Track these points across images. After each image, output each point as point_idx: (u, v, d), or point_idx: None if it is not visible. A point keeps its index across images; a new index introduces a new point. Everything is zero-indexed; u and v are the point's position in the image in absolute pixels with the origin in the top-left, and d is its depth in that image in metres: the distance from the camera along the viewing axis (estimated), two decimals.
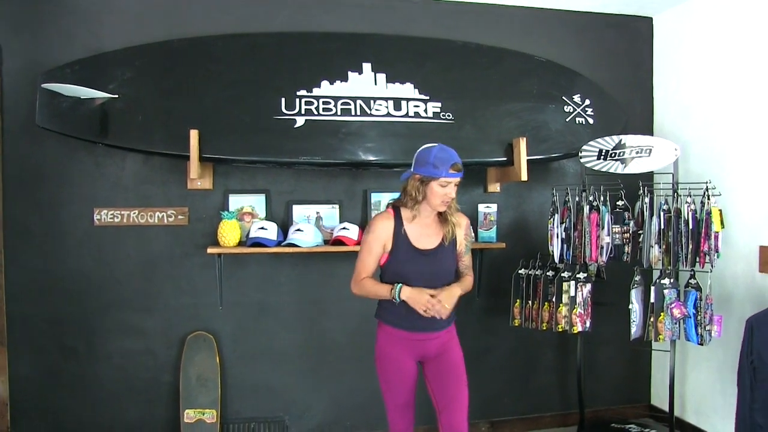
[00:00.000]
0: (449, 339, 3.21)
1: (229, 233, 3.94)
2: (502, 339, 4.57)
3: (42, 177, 4.02)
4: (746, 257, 3.99)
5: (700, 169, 4.29)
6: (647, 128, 4.77)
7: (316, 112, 4.00)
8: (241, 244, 4.03)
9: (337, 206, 4.31)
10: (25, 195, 4.01)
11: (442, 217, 3.10)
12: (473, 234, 3.46)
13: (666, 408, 4.54)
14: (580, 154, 4.19)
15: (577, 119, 4.40)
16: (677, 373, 4.53)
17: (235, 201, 4.19)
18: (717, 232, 3.68)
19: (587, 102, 4.45)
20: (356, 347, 4.39)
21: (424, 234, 3.08)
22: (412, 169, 3.03)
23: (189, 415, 4.08)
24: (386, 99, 4.11)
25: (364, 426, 4.44)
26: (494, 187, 4.48)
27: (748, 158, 4.00)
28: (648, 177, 4.16)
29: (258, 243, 3.94)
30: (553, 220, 4.06)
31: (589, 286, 3.98)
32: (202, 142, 3.80)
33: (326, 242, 4.17)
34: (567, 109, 4.40)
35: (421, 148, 3.06)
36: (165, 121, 3.87)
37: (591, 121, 4.42)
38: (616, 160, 4.06)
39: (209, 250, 3.91)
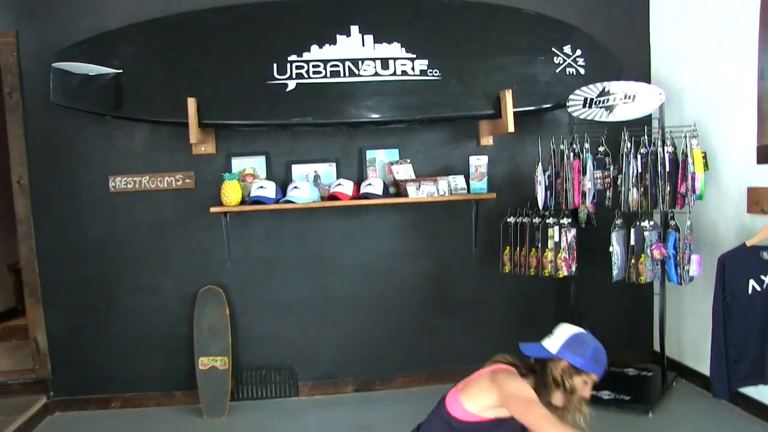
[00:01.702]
0: None
1: (231, 193, 4.21)
2: (499, 288, 4.71)
3: (60, 150, 4.39)
4: (736, 199, 4.01)
5: (694, 115, 4.29)
6: (644, 76, 4.76)
7: (306, 76, 4.21)
8: (243, 203, 4.30)
9: (334, 164, 4.53)
10: (47, 167, 4.39)
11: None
12: None
13: (671, 354, 4.63)
14: (567, 103, 4.26)
15: (568, 70, 4.46)
16: (675, 317, 4.61)
17: (237, 163, 4.46)
18: (694, 173, 3.72)
19: (578, 53, 4.50)
20: (357, 299, 4.65)
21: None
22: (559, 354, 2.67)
23: (203, 362, 4.41)
24: (374, 59, 4.28)
25: (368, 372, 4.69)
26: (487, 141, 4.61)
27: (737, 103, 3.99)
28: (639, 124, 4.19)
29: (258, 201, 4.21)
30: (538, 168, 4.16)
31: (573, 231, 4.09)
32: (202, 110, 4.08)
33: (323, 198, 4.40)
34: (557, 60, 4.46)
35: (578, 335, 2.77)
36: (166, 91, 4.16)
37: (582, 71, 4.48)
38: (602, 107, 4.12)
39: (212, 210, 4.21)
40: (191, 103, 4.02)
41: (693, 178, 3.72)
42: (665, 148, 3.79)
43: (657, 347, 4.69)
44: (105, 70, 4.12)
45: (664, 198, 3.79)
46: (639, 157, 3.84)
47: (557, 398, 2.63)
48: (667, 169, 3.77)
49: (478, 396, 2.63)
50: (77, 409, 4.51)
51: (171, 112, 4.14)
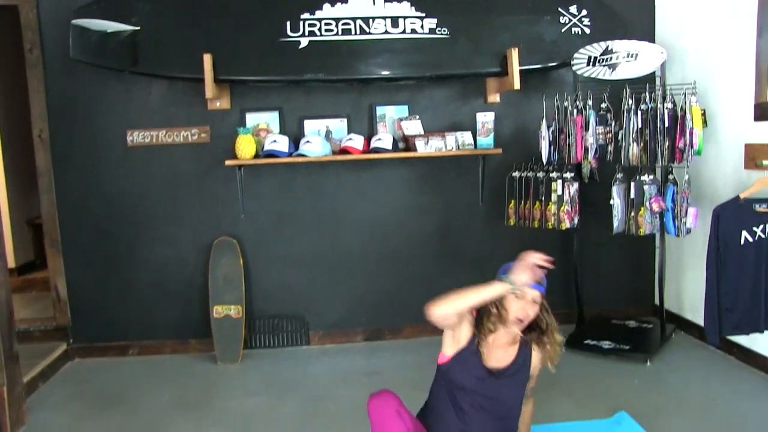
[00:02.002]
0: None
1: (244, 147, 4.36)
2: (505, 241, 4.84)
3: (79, 105, 4.54)
4: (733, 156, 4.13)
5: (695, 74, 4.38)
6: (648, 36, 4.85)
7: (318, 33, 4.33)
8: (257, 157, 4.44)
9: (345, 120, 4.67)
10: (67, 122, 4.55)
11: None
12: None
13: (672, 308, 4.80)
14: (571, 62, 4.38)
15: (573, 29, 4.57)
16: (676, 272, 4.76)
17: (252, 119, 4.60)
18: (693, 129, 3.85)
19: (584, 13, 4.60)
20: (367, 251, 4.82)
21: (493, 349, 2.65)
22: None
23: (217, 311, 4.59)
24: (384, 18, 4.39)
25: (377, 322, 4.87)
26: (493, 98, 4.73)
27: (736, 62, 4.10)
28: (641, 82, 4.29)
29: (271, 154, 4.36)
30: (542, 123, 4.30)
31: (576, 185, 4.24)
32: (217, 66, 4.21)
33: (334, 153, 4.54)
34: (562, 20, 4.57)
35: None
36: (183, 48, 4.29)
37: (588, 31, 4.58)
38: (605, 65, 4.24)
39: (227, 162, 4.36)
40: (207, 59, 4.16)
41: (691, 134, 3.85)
42: (665, 104, 3.92)
43: (658, 301, 4.84)
44: (123, 27, 4.26)
45: (663, 153, 3.92)
46: (639, 113, 3.97)
47: (495, 321, 2.57)
48: (666, 124, 3.90)
49: (444, 336, 2.65)
50: (96, 356, 4.71)
51: (187, 68, 4.27)
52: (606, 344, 4.38)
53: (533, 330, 2.61)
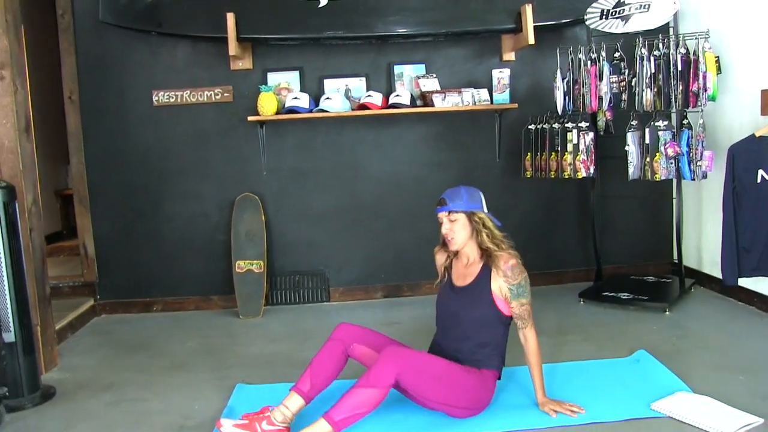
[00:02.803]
0: None
1: (266, 103, 4.48)
2: (522, 197, 4.93)
3: (108, 67, 4.71)
4: (749, 103, 4.16)
5: (710, 25, 4.38)
6: None
7: None
8: (278, 113, 4.55)
9: (364, 79, 4.78)
10: (96, 82, 4.71)
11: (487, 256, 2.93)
12: (521, 273, 2.89)
13: (691, 264, 4.82)
14: (585, 16, 4.45)
15: None
16: (695, 227, 4.79)
17: (273, 78, 4.72)
18: (706, 73, 3.89)
19: None
20: (386, 207, 4.92)
21: (458, 269, 3.04)
22: None
23: (240, 266, 4.70)
24: None
25: (396, 278, 4.96)
26: (509, 56, 4.82)
27: (751, 8, 4.16)
28: (654, 35, 4.34)
29: (292, 110, 4.47)
30: (557, 74, 4.38)
31: (591, 134, 4.30)
32: (240, 25, 4.35)
33: (354, 110, 4.64)
34: None
35: None
36: (206, 9, 4.44)
37: None
38: (617, 18, 4.31)
39: (249, 119, 4.49)
40: (230, 18, 4.29)
41: (705, 77, 3.89)
42: (678, 50, 3.97)
43: (676, 256, 4.84)
44: None
45: (677, 97, 3.96)
46: (652, 59, 4.02)
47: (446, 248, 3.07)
48: (680, 68, 3.95)
49: None
50: (122, 312, 4.84)
51: (211, 28, 4.43)
52: (624, 295, 4.42)
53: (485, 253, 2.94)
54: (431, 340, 3.07)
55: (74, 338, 4.37)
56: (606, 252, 4.86)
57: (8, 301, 3.29)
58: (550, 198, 5.00)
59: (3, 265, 3.28)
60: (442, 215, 2.91)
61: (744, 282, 4.19)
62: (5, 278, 3.28)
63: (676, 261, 4.71)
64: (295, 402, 2.77)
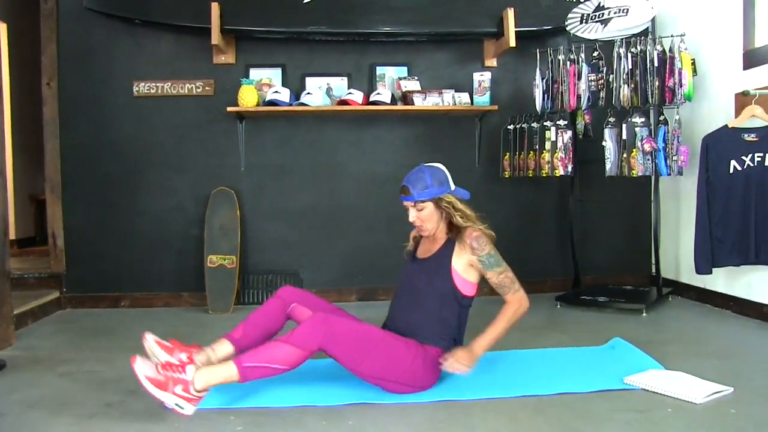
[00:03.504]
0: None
1: (247, 96, 4.48)
2: (502, 203, 4.90)
3: (89, 54, 4.70)
4: (724, 106, 4.19)
5: (686, 30, 4.46)
6: None
7: None
8: (258, 106, 4.55)
9: (345, 78, 4.80)
10: (76, 70, 4.69)
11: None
12: (488, 243, 2.81)
13: (668, 274, 4.75)
14: (566, 21, 4.52)
15: None
16: (673, 238, 4.76)
17: (255, 74, 4.73)
18: (681, 69, 3.94)
19: None
20: (364, 208, 4.86)
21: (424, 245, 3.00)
22: None
23: (212, 260, 4.60)
24: None
25: (372, 280, 4.86)
26: (491, 62, 4.88)
27: (724, 12, 4.24)
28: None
29: (272, 103, 4.46)
30: (536, 73, 4.42)
31: (569, 132, 4.32)
32: (224, 16, 4.39)
33: None
34: None
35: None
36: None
37: None
38: (597, 21, 4.38)
39: (229, 109, 4.48)
40: (215, 8, 4.34)
41: (680, 74, 3.94)
42: (655, 47, 4.02)
43: (654, 263, 4.77)
44: None
45: (653, 93, 4.00)
46: (630, 55, 4.07)
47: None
48: (656, 65, 3.99)
49: None
50: (88, 306, 4.69)
51: (195, 18, 4.46)
52: (601, 299, 4.36)
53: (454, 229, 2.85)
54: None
55: (34, 325, 4.21)
56: (584, 263, 4.80)
57: None
58: (529, 204, 4.98)
59: None
60: (408, 204, 2.82)
61: (719, 286, 4.19)
62: None
63: (654, 273, 4.65)
64: (222, 348, 2.74)
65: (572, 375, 2.97)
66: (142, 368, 2.29)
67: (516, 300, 2.81)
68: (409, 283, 2.90)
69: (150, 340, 2.66)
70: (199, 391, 2.32)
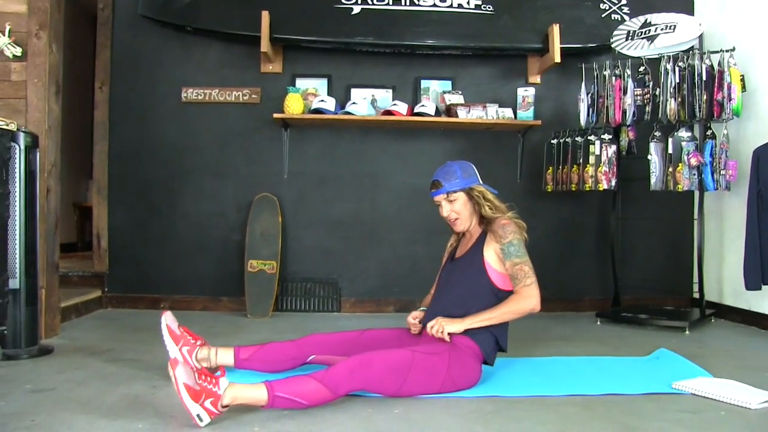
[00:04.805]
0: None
1: (293, 104, 4.55)
2: (543, 219, 4.87)
3: (141, 61, 4.82)
4: None
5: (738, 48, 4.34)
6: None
7: (370, 2, 4.62)
8: (303, 114, 4.61)
9: (390, 90, 4.86)
10: (127, 76, 4.82)
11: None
12: (514, 232, 2.79)
13: (710, 297, 4.67)
14: (611, 39, 4.53)
15: (613, 16, 4.78)
16: (715, 260, 4.68)
17: (301, 83, 4.81)
18: (731, 83, 3.91)
19: (623, 1, 4.82)
20: (405, 220, 4.87)
21: (462, 244, 3.03)
22: None
23: (252, 265, 4.63)
24: None
25: (409, 292, 4.81)
26: (534, 79, 4.90)
27: None
28: None
29: (318, 111, 4.53)
30: (582, 87, 4.43)
31: (614, 147, 4.31)
32: (273, 25, 4.49)
33: None
34: (603, 6, 4.80)
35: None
36: (242, 8, 4.58)
37: (627, 18, 4.77)
38: (643, 38, 4.39)
39: (275, 115, 4.53)
40: (265, 16, 4.44)
41: (729, 87, 3.92)
42: (703, 61, 4.01)
43: (696, 294, 4.69)
44: None
45: (701, 107, 3.97)
46: (677, 69, 4.06)
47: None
48: (704, 79, 3.97)
49: None
50: (128, 307, 4.74)
51: (246, 25, 4.57)
52: (643, 316, 4.29)
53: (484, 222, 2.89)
54: None
55: (77, 320, 4.28)
56: (624, 283, 4.75)
57: (17, 245, 3.25)
58: (569, 221, 4.95)
59: (18, 207, 3.25)
60: (440, 198, 2.86)
61: (766, 308, 4.09)
62: (18, 221, 3.25)
63: (698, 291, 4.57)
64: (225, 356, 2.79)
65: (618, 378, 2.93)
66: (182, 374, 2.26)
67: (524, 293, 2.72)
68: (446, 282, 2.92)
69: (164, 323, 2.73)
70: (224, 407, 2.30)
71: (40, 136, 3.52)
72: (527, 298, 2.71)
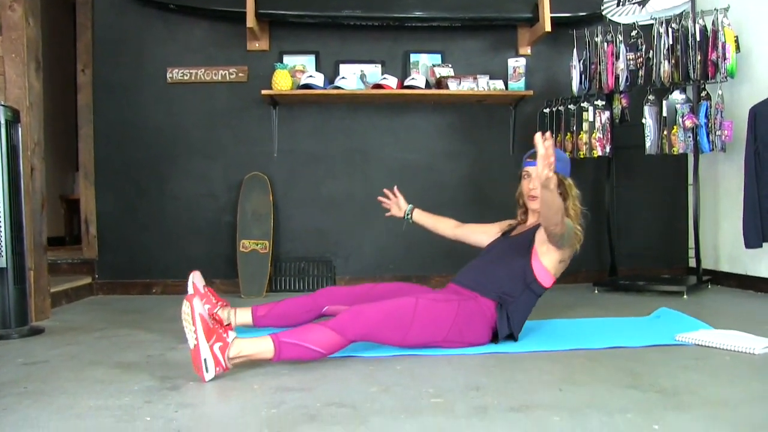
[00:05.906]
0: None
1: (281, 80, 4.47)
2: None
3: (124, 42, 4.72)
4: None
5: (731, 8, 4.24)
6: None
7: None
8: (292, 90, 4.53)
9: (379, 65, 4.78)
10: (110, 57, 4.71)
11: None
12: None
13: (706, 265, 4.59)
14: (602, 6, 4.49)
15: None
16: (711, 227, 4.65)
17: (289, 60, 4.71)
18: (725, 43, 3.87)
19: None
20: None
21: (520, 227, 3.08)
22: None
23: (244, 245, 4.56)
24: None
25: (405, 269, 4.77)
26: (525, 50, 4.84)
27: None
28: None
29: (307, 86, 4.45)
30: (573, 53, 4.38)
31: (607, 113, 4.26)
32: (259, 1, 4.40)
33: None
34: None
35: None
36: None
37: None
38: (634, 3, 4.35)
39: (263, 92, 4.45)
40: None
41: (724, 47, 3.87)
42: (696, 22, 3.97)
43: (692, 263, 4.66)
44: None
45: (695, 67, 3.93)
46: (670, 31, 4.02)
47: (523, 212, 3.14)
48: (698, 39, 3.93)
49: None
50: (120, 293, 4.66)
51: (231, 2, 4.49)
52: (640, 283, 4.26)
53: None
54: None
55: (68, 306, 4.19)
56: (619, 252, 4.71)
57: (2, 221, 3.16)
58: None
59: (1, 182, 3.17)
60: (532, 169, 2.79)
61: (762, 271, 4.06)
62: (1, 196, 3.16)
63: (693, 266, 4.54)
64: (243, 315, 2.94)
65: (621, 334, 2.90)
66: (199, 306, 2.22)
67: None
68: (487, 253, 2.99)
69: (191, 280, 2.78)
70: (230, 359, 2.25)
71: (21, 112, 3.42)
72: (577, 235, 2.78)
